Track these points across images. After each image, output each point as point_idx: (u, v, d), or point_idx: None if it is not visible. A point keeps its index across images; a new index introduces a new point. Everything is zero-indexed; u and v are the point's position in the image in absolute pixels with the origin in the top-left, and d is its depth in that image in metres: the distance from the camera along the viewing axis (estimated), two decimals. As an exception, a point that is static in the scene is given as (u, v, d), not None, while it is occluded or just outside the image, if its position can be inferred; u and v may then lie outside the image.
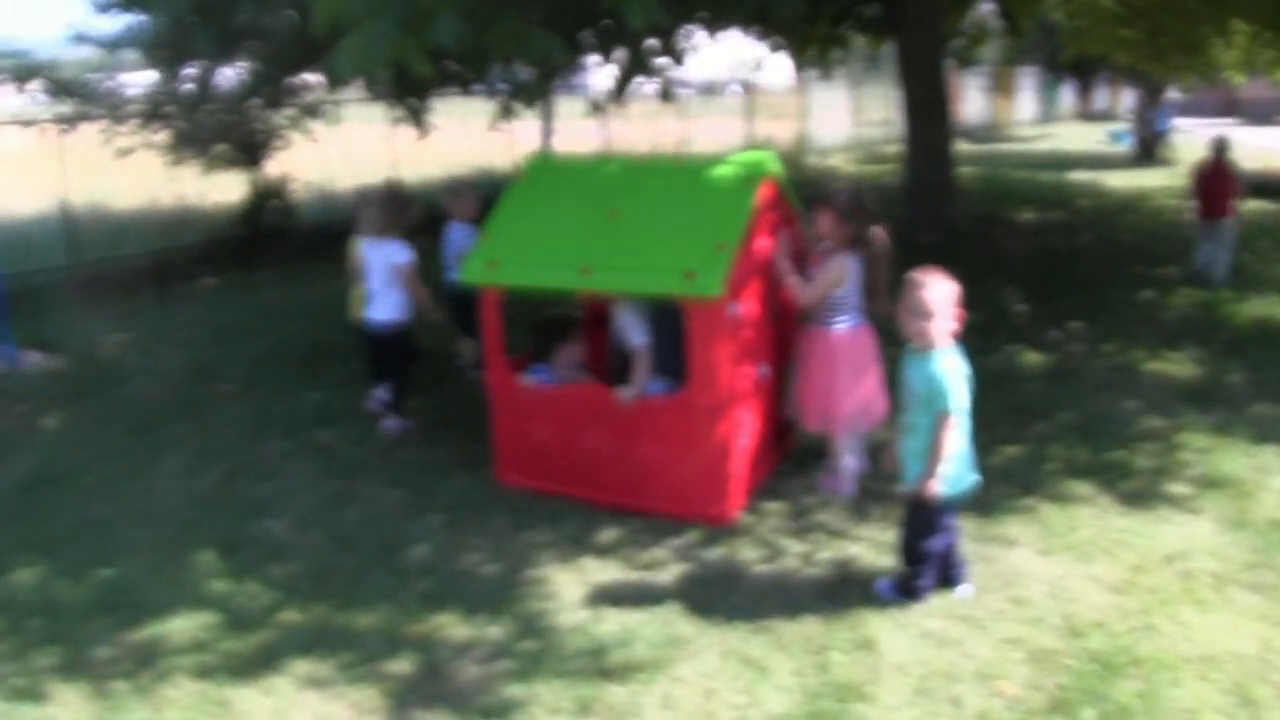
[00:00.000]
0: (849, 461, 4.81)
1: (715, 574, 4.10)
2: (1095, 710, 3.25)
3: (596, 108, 9.22)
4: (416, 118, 8.32)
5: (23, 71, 10.50)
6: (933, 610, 3.81)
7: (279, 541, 4.54)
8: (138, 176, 11.57)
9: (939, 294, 3.61)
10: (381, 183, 7.27)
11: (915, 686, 3.39)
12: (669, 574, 4.11)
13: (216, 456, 5.54)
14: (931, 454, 3.64)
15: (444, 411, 6.11)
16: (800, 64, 18.21)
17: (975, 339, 7.37)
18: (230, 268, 10.73)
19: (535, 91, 6.39)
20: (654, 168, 4.91)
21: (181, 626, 3.84)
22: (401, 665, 3.56)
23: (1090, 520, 4.51)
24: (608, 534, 4.46)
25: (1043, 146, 23.95)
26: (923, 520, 3.78)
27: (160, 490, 5.13)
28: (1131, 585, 3.97)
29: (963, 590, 3.94)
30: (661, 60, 6.70)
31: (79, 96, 10.58)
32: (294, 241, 11.41)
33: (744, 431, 4.62)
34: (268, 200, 11.58)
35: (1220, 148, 9.09)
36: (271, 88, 10.26)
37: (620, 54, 6.03)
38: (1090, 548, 4.26)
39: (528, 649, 3.63)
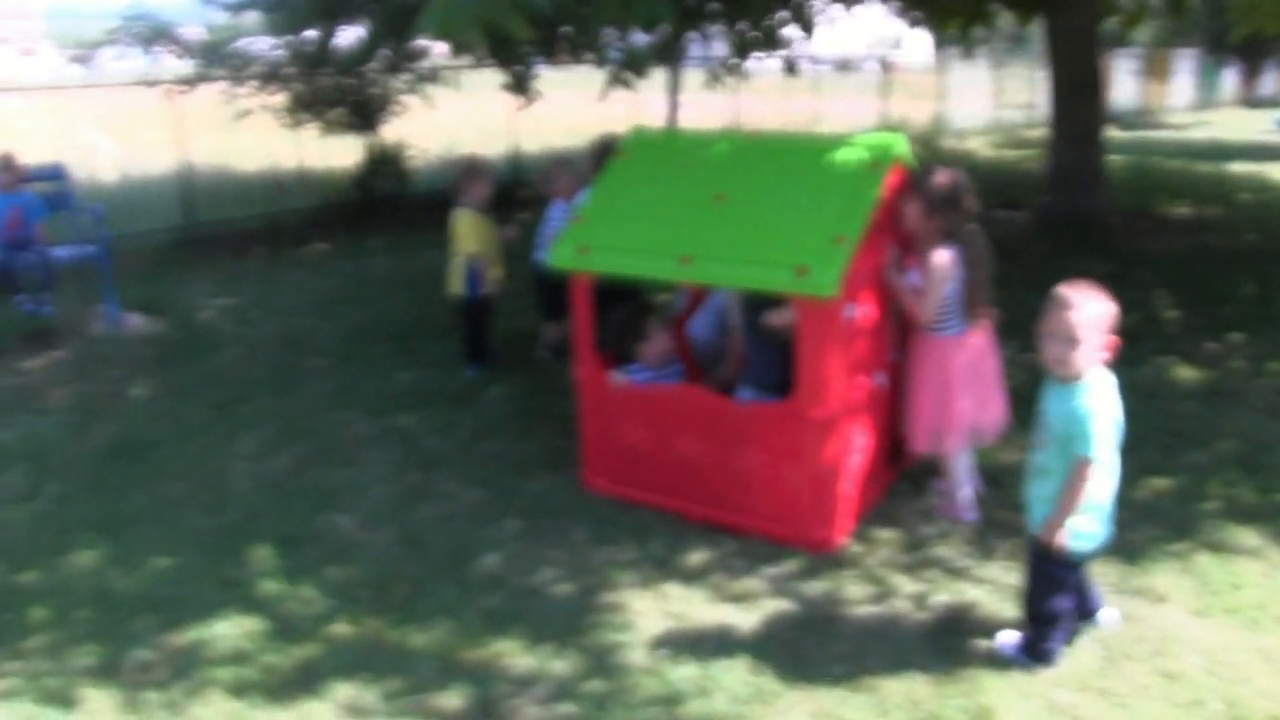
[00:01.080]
0: (964, 485, 4.26)
1: (813, 614, 3.61)
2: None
3: (715, 79, 8.70)
4: (521, 85, 7.97)
5: (149, 34, 10.57)
6: (1062, 679, 3.25)
7: (343, 539, 4.24)
8: (257, 139, 11.59)
9: (1089, 315, 3.02)
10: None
11: (1043, 775, 2.86)
12: (761, 610, 3.64)
13: (295, 438, 5.29)
14: (1062, 501, 3.10)
15: (532, 400, 5.75)
16: (940, 41, 17.29)
17: (1120, 347, 6.70)
18: (341, 233, 10.63)
19: (646, 59, 5.92)
20: (768, 147, 4.39)
21: (225, 632, 3.56)
22: (452, 699, 3.19)
23: (1258, 578, 3.84)
24: (697, 556, 4.02)
25: (1199, 135, 22.25)
26: (1048, 575, 3.23)
27: (232, 472, 4.90)
28: (1313, 661, 3.33)
29: (1107, 616, 3.43)
30: (789, 33, 6.19)
31: (202, 58, 10.61)
32: (407, 209, 11.25)
33: (856, 448, 4.11)
34: (382, 166, 11.43)
35: None
36: (388, 52, 10.09)
37: (743, 24, 5.52)
38: (1258, 613, 3.61)
39: (594, 690, 3.21)
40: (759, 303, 4.10)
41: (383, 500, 4.59)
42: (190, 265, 9.39)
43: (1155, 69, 27.23)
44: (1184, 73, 28.78)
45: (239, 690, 3.24)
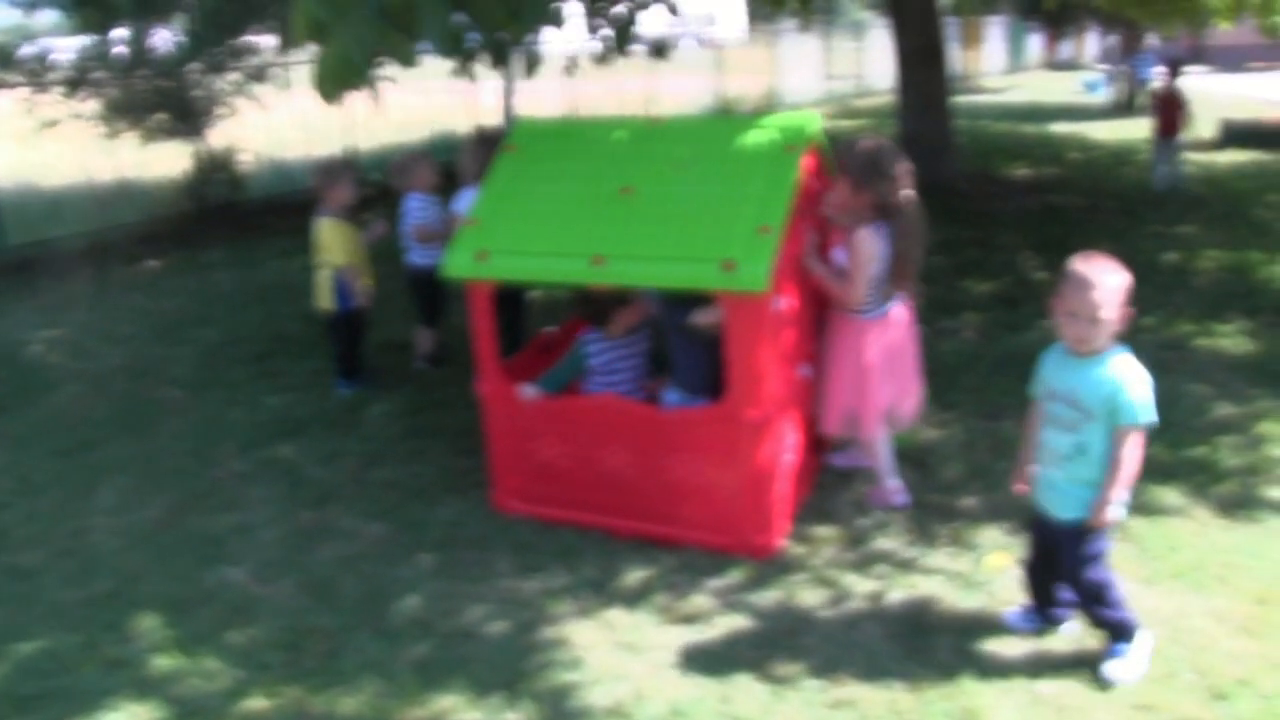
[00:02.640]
0: (890, 470, 4.15)
1: (771, 627, 3.41)
2: (1270, 805, 2.63)
3: (571, 68, 8.37)
4: (371, 85, 7.42)
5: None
6: (1039, 670, 3.15)
7: (239, 596, 3.78)
8: (67, 151, 10.59)
9: (1108, 291, 2.89)
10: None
11: (1041, 777, 2.74)
12: (716, 629, 3.41)
13: (162, 483, 4.75)
14: (1113, 475, 2.96)
15: (419, 417, 5.35)
16: (776, 15, 17.40)
17: (1000, 312, 6.80)
18: (174, 248, 9.82)
19: (507, 49, 5.56)
20: (671, 133, 4.13)
21: (118, 726, 3.09)
22: (400, 772, 2.85)
23: (1191, 538, 3.87)
24: (635, 575, 3.75)
25: (1016, 98, 23.30)
26: (1090, 554, 3.08)
27: (95, 531, 4.33)
28: (1263, 624, 3.34)
29: (1069, 627, 3.32)
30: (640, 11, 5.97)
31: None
32: (245, 217, 10.51)
33: (788, 446, 3.93)
34: (213, 173, 10.63)
35: (1173, 76, 11.13)
36: (212, 50, 9.36)
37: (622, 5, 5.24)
38: (1200, 574, 3.62)
39: (557, 743, 2.93)
40: (681, 300, 3.85)
41: (275, 545, 4.14)
42: (3, 295, 8.47)
43: (970, 36, 28.36)
44: (995, 39, 30.13)
45: (147, 797, 2.80)
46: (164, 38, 9.67)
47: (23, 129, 9.81)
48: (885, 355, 4.04)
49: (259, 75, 10.83)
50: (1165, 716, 2.94)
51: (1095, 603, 3.12)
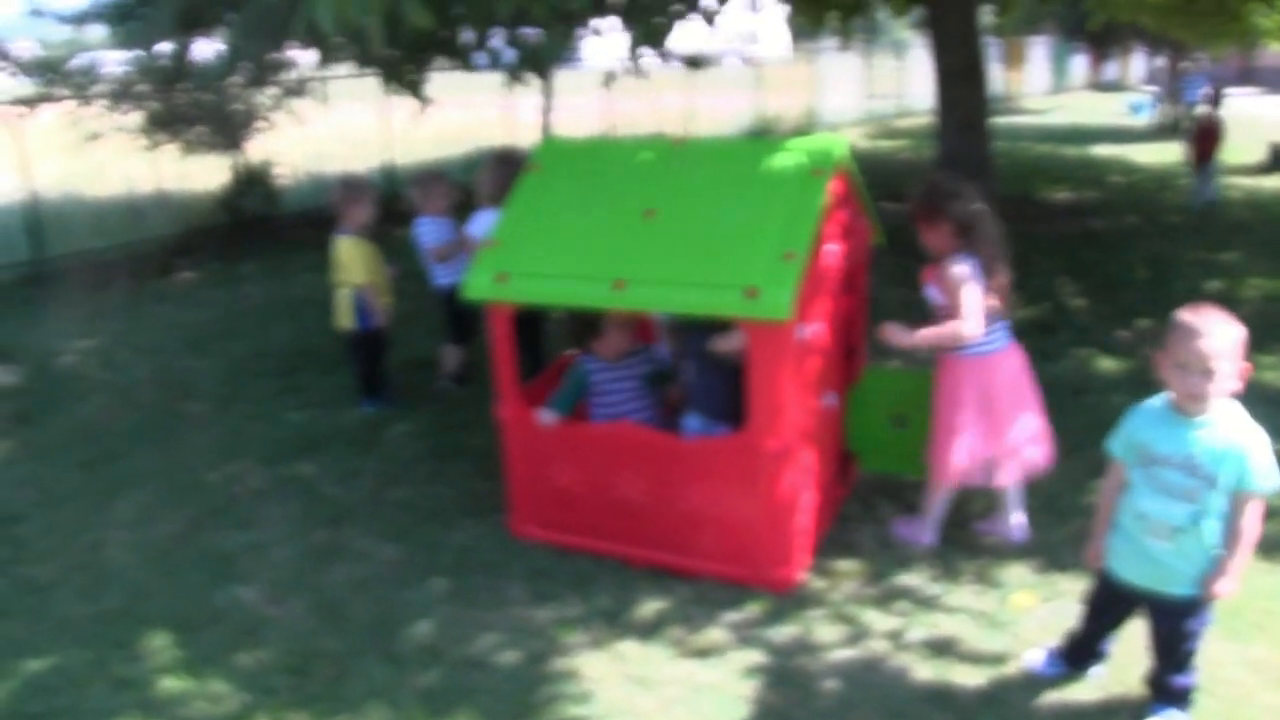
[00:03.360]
0: (939, 511, 4.03)
1: (787, 665, 3.31)
2: None
3: (610, 80, 8.34)
4: (415, 90, 7.45)
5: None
6: (1067, 716, 3.03)
7: (249, 616, 3.74)
8: (110, 163, 10.71)
9: (1222, 342, 2.66)
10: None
11: (1067, 836, 2.62)
12: (731, 665, 3.32)
13: (181, 497, 4.74)
14: (1234, 546, 2.75)
15: (441, 437, 5.31)
16: (798, 34, 17.29)
17: (1036, 339, 6.62)
18: (210, 260, 9.89)
19: (550, 51, 5.52)
20: (696, 155, 4.06)
21: (122, 750, 3.06)
22: (400, 807, 2.78)
23: (1229, 580, 3.72)
24: (649, 606, 3.67)
25: (1058, 119, 23.02)
26: (1196, 628, 2.89)
27: (111, 545, 4.32)
28: (1302, 675, 3.20)
29: (1095, 673, 3.19)
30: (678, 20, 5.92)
31: (41, 76, 9.73)
32: (279, 231, 10.58)
33: (810, 477, 3.83)
34: (250, 186, 10.71)
35: (1213, 106, 12.81)
36: (251, 64, 9.44)
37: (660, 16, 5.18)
38: (1237, 621, 3.47)
39: (562, 782, 2.85)
40: (704, 326, 3.78)
41: (288, 565, 4.10)
42: (42, 304, 8.57)
43: (1012, 56, 28.11)
44: (1038, 59, 29.84)
45: (144, 824, 2.76)
46: (205, 51, 9.75)
47: (67, 141, 9.94)
48: (1011, 394, 3.87)
49: (297, 90, 10.91)
50: (1198, 773, 2.81)
51: (1178, 671, 2.95)
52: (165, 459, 5.19)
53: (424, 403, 5.83)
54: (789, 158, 3.78)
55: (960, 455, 3.85)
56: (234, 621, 3.71)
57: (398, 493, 4.70)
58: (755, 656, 3.36)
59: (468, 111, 14.62)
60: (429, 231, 5.75)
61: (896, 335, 3.78)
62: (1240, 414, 2.75)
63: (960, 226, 3.74)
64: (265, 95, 10.84)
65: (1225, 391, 2.70)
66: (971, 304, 3.67)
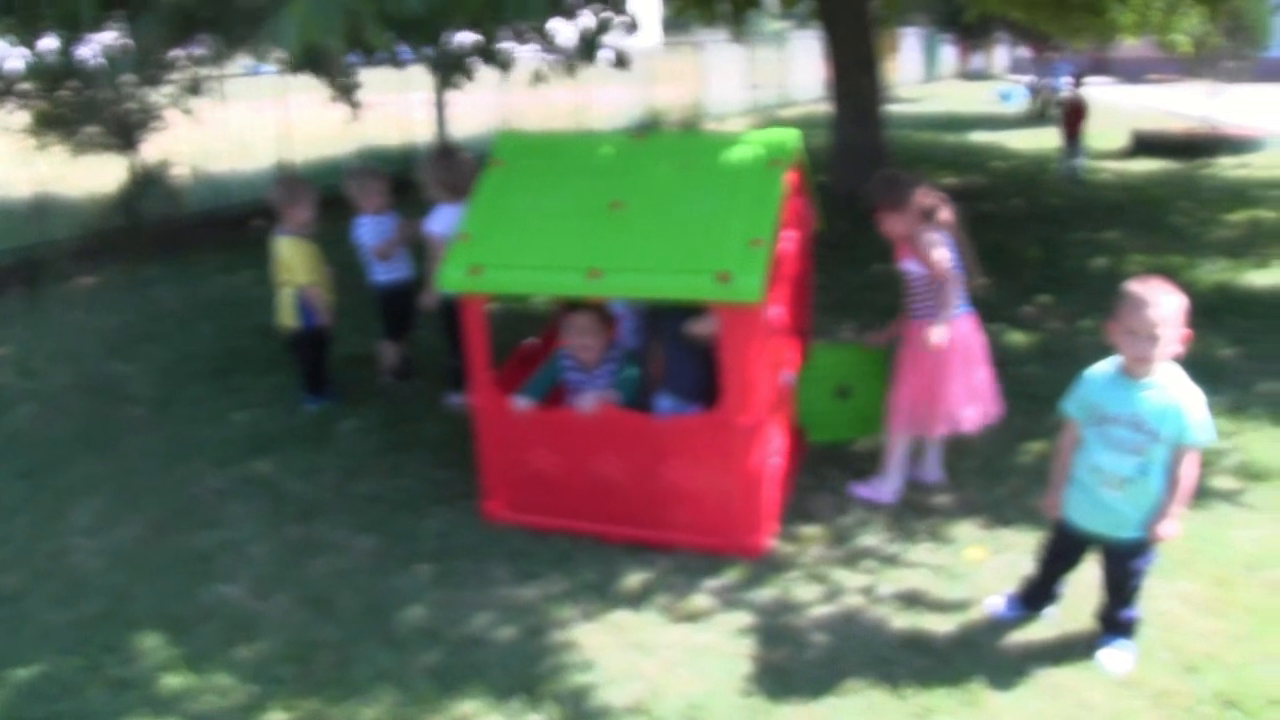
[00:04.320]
0: (897, 473, 4.33)
1: (773, 623, 3.55)
2: (1251, 769, 2.85)
3: (539, 77, 8.43)
4: (348, 94, 7.44)
5: None
6: (1031, 651, 3.35)
7: (238, 612, 3.78)
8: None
9: (1167, 311, 2.97)
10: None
11: (1044, 753, 2.92)
12: (720, 627, 3.54)
13: (137, 501, 4.70)
14: (1174, 493, 3.08)
15: (392, 432, 5.37)
16: (691, 24, 17.60)
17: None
18: (110, 264, 9.58)
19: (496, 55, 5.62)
20: (656, 148, 4.25)
21: (139, 745, 3.09)
22: (433, 777, 2.91)
23: (1152, 526, 4.12)
24: (633, 578, 3.86)
25: (933, 108, 23.98)
26: (1140, 569, 3.22)
27: (75, 552, 4.27)
28: (1226, 604, 3.60)
29: (1049, 613, 3.52)
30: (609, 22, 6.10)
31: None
32: (181, 232, 10.31)
33: (775, 449, 4.08)
34: (148, 187, 10.40)
35: (1077, 85, 14.44)
36: (148, 62, 9.20)
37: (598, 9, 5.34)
38: (1165, 560, 3.82)
39: (584, 742, 3.02)
40: (675, 311, 3.98)
41: (267, 561, 4.14)
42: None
43: (886, 46, 29.06)
44: (910, 50, 30.95)
45: (182, 812, 2.81)
46: (95, 49, 9.44)
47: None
48: (960, 357, 4.20)
49: (193, 87, 10.63)
50: (1147, 690, 3.15)
51: (1125, 606, 3.28)
52: (111, 464, 5.12)
53: (368, 399, 5.86)
54: (747, 150, 4.01)
55: (920, 410, 4.18)
56: (224, 617, 3.75)
57: (362, 486, 4.77)
58: (743, 618, 3.58)
59: (362, 111, 14.44)
60: (369, 229, 5.77)
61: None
62: (1180, 376, 3.09)
63: (924, 212, 4.06)
64: (160, 93, 10.53)
65: (1169, 355, 3.03)
66: (944, 256, 4.08)
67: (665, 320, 4.07)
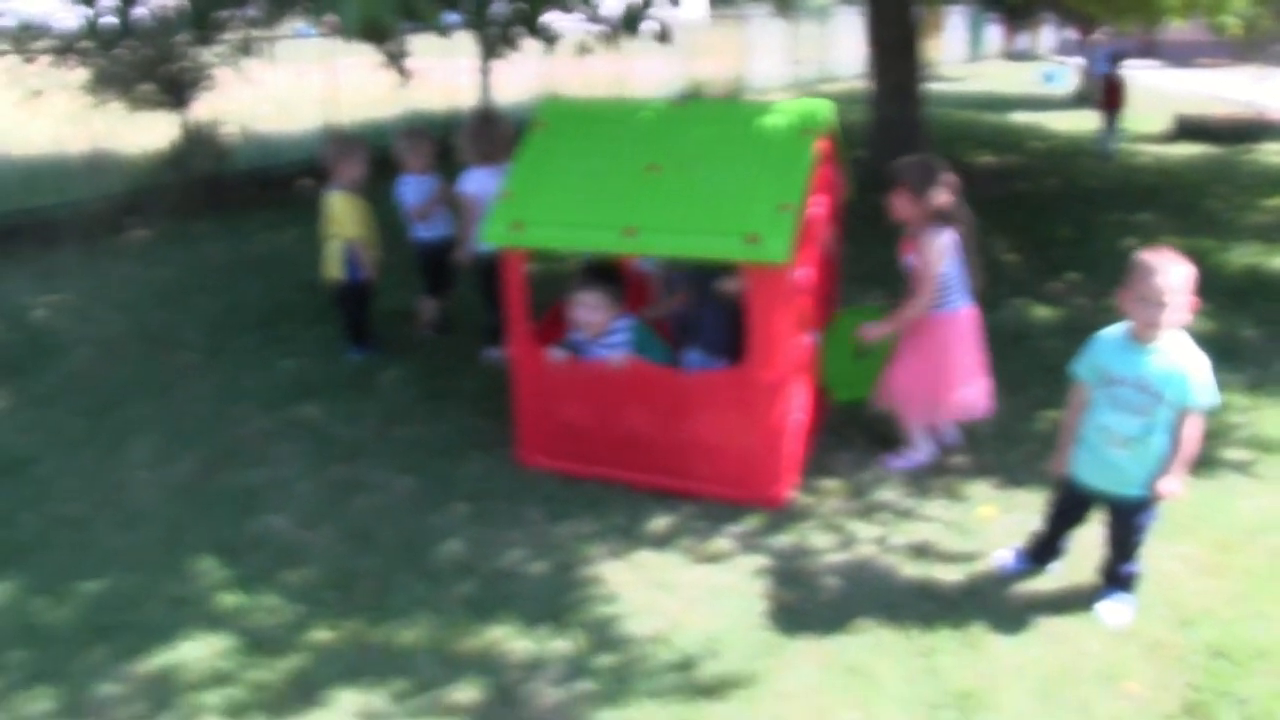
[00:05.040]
0: (921, 452, 4.50)
1: (789, 567, 3.75)
2: (1236, 712, 3.01)
3: (584, 49, 8.58)
4: (397, 61, 7.63)
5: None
6: (1034, 602, 3.53)
7: (285, 541, 4.04)
8: (48, 120, 10.58)
9: (1175, 279, 3.13)
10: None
11: (1038, 690, 3.10)
12: (739, 569, 3.74)
13: (190, 440, 4.96)
14: (1180, 453, 3.25)
15: (434, 381, 5.61)
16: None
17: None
18: (161, 219, 9.88)
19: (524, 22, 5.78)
20: (692, 116, 4.42)
21: (196, 654, 3.33)
22: (466, 691, 3.13)
23: (1160, 492, 4.26)
24: (659, 522, 4.07)
25: (976, 87, 23.85)
26: (1144, 525, 3.39)
27: (134, 483, 4.55)
28: (1225, 566, 3.75)
29: (1053, 568, 3.69)
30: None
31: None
32: (229, 190, 10.59)
33: (798, 406, 4.25)
34: (199, 145, 10.69)
35: (1118, 66, 14.13)
36: (202, 21, 9.43)
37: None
38: (1168, 524, 3.97)
39: (607, 665, 3.23)
40: (708, 270, 4.16)
41: (312, 497, 4.39)
42: (-3, 261, 8.54)
43: (930, 25, 28.84)
44: (955, 28, 30.68)
45: (236, 714, 3.05)
46: (150, 8, 9.70)
47: (8, 98, 9.81)
48: (964, 349, 4.35)
49: (244, 48, 10.88)
50: (1142, 640, 3.32)
51: (1127, 561, 3.45)
52: (165, 407, 5.39)
53: (409, 351, 6.09)
54: (780, 119, 4.17)
55: (925, 399, 4.34)
56: (272, 546, 4.00)
57: (403, 431, 5.00)
58: (761, 561, 3.78)
59: (399, 76, 14.64)
60: (412, 189, 5.98)
61: (872, 333, 4.29)
62: (1186, 342, 3.24)
63: (938, 211, 4.19)
64: (212, 53, 10.79)
65: (1176, 322, 3.18)
66: (934, 262, 4.16)
67: (703, 279, 4.25)
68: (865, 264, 7.21)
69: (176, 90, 10.59)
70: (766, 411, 4.03)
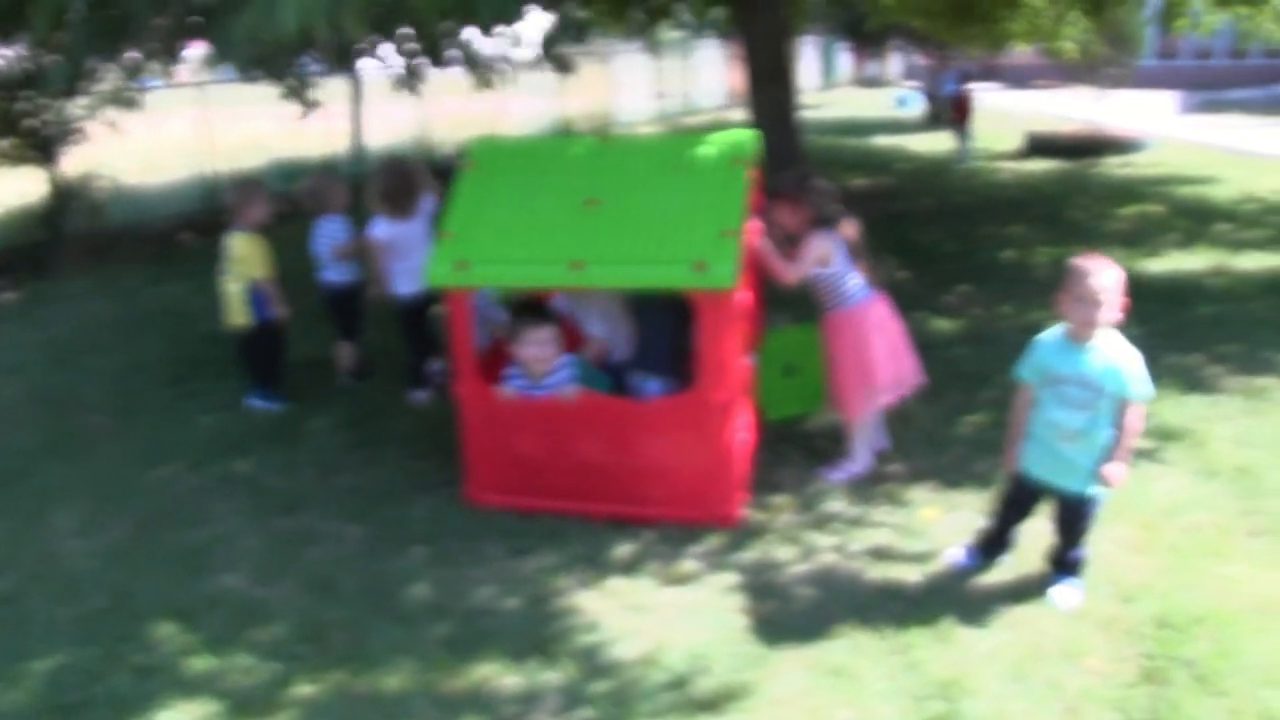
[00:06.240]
0: (862, 451, 4.69)
1: (758, 580, 3.87)
2: (1187, 674, 3.26)
3: (486, 81, 8.60)
4: (299, 95, 7.53)
5: None
6: (992, 593, 3.74)
7: (243, 599, 3.93)
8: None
9: (1108, 280, 3.39)
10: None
11: (1010, 674, 3.29)
12: (710, 586, 3.84)
13: (118, 504, 4.77)
14: (1127, 444, 3.50)
15: (362, 428, 5.54)
16: (620, 35, 17.98)
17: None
18: (31, 279, 9.44)
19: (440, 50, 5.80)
20: (624, 150, 4.55)
21: (178, 720, 3.23)
22: (467, 730, 3.13)
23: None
24: (621, 549, 4.13)
25: (832, 113, 24.76)
26: (1091, 514, 3.64)
27: (65, 552, 4.35)
28: (1152, 545, 4.04)
29: (1003, 559, 3.91)
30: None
31: None
32: (104, 246, 10.19)
33: (746, 425, 4.40)
34: (70, 200, 10.26)
35: (966, 85, 16.35)
36: (75, 72, 9.10)
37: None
38: (1103, 510, 4.28)
39: (602, 691, 3.27)
40: (653, 300, 4.27)
41: (261, 551, 4.29)
42: None
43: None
44: (808, 57, 31.81)
45: (235, 775, 2.98)
46: (7, 57, 9.34)
47: None
48: (855, 343, 4.56)
49: (114, 99, 10.51)
50: (1094, 619, 3.56)
51: (1074, 547, 3.69)
52: (84, 470, 5.17)
53: (330, 399, 6.00)
54: (711, 150, 4.33)
55: (862, 391, 4.55)
56: (230, 605, 3.89)
57: (342, 479, 4.93)
58: (730, 578, 3.89)
59: (273, 122, 14.40)
60: (337, 229, 5.95)
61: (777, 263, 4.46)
62: (1119, 339, 3.52)
63: (818, 217, 4.45)
64: (78, 105, 10.38)
65: (1109, 321, 3.45)
66: (806, 265, 4.42)
67: (647, 309, 4.36)
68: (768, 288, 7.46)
69: (43, 144, 10.14)
70: (719, 432, 4.15)
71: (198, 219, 11.21)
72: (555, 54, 6.09)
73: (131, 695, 3.36)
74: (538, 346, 4.36)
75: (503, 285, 4.19)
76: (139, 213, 11.12)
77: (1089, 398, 3.48)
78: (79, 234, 10.24)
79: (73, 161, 10.51)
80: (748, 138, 4.40)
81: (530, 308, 4.53)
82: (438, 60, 5.83)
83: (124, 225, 10.75)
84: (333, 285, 6.09)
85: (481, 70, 8.03)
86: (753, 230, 4.29)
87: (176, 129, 12.12)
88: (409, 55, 7.76)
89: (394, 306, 5.81)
